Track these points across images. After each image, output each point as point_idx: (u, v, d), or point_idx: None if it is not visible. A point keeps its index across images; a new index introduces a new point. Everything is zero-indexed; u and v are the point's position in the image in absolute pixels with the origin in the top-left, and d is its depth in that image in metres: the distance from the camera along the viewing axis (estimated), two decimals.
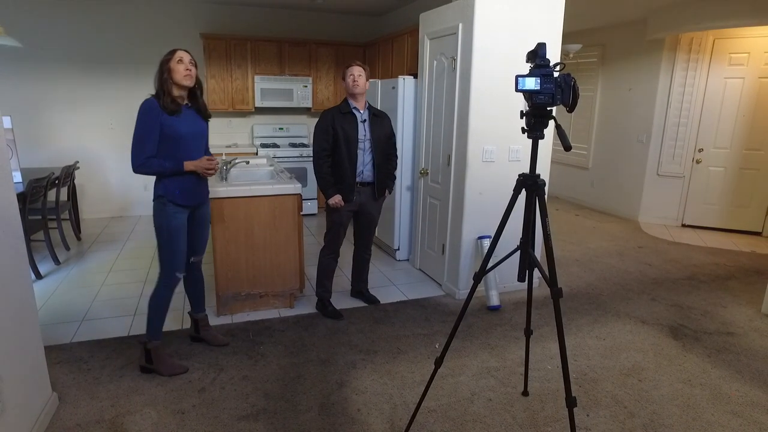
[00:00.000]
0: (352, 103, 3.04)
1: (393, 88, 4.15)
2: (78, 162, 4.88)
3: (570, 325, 3.18)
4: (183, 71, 2.33)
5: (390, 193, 3.34)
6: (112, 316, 3.20)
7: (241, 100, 5.72)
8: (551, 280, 1.77)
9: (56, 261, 4.08)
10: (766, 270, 4.34)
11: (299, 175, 5.85)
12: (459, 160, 3.44)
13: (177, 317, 3.16)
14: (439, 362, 2.01)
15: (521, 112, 1.77)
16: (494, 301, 3.39)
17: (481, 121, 3.31)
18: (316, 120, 6.53)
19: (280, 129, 6.20)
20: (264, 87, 5.75)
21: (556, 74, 1.65)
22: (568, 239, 5.21)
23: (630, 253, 4.77)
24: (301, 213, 3.27)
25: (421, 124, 3.98)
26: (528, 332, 2.26)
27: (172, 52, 2.34)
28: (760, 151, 5.27)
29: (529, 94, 1.64)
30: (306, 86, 5.93)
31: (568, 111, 1.70)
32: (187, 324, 3.01)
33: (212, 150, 5.47)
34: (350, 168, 3.02)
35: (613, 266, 4.37)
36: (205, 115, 2.51)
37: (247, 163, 3.77)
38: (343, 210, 3.10)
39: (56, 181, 4.28)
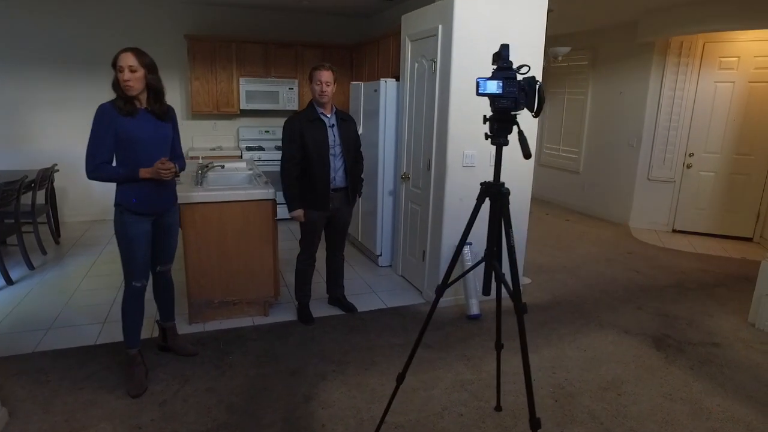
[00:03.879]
0: (319, 108, 2.97)
1: (375, 90, 4.07)
2: (57, 165, 4.79)
3: (551, 335, 3.10)
4: (122, 82, 2.20)
5: (360, 196, 3.27)
6: (81, 323, 3.11)
7: (226, 103, 5.64)
8: (515, 295, 1.69)
9: (30, 266, 3.99)
10: (755, 277, 4.26)
11: None
12: (439, 164, 3.36)
13: (148, 325, 3.06)
14: (400, 378, 1.93)
15: (484, 117, 1.69)
16: (474, 309, 3.31)
17: (461, 125, 3.24)
18: None
19: (266, 132, 6.12)
20: (249, 89, 5.66)
21: (520, 78, 1.57)
22: (557, 245, 5.13)
23: (618, 259, 4.69)
24: (276, 218, 3.18)
25: (402, 127, 3.90)
26: (498, 346, 2.17)
27: (116, 56, 2.20)
28: (750, 156, 5.21)
29: (491, 98, 1.56)
30: (292, 88, 5.86)
31: (533, 116, 1.62)
32: (158, 332, 2.92)
33: (195, 153, 5.47)
34: (324, 176, 2.94)
35: (600, 273, 4.29)
36: (163, 117, 2.38)
37: (222, 167, 3.68)
38: (316, 218, 3.02)
39: (32, 184, 4.19)
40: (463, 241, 1.86)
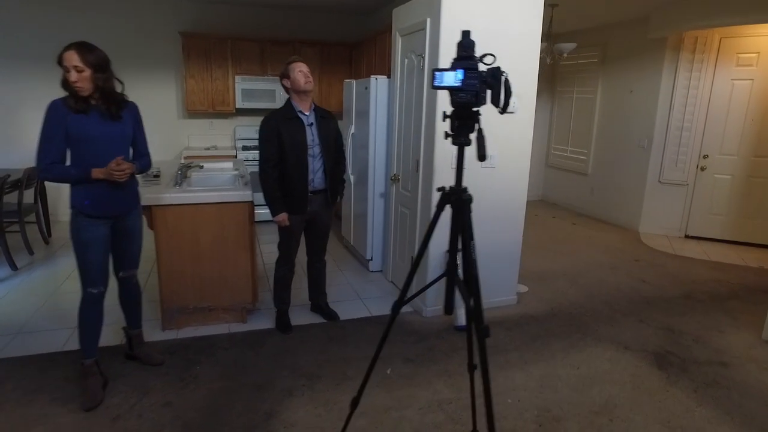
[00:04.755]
0: (297, 105, 2.81)
1: (366, 88, 3.90)
2: None
3: (542, 350, 2.88)
4: (70, 81, 2.06)
5: (341, 198, 3.11)
6: (51, 328, 3.01)
7: (222, 101, 5.53)
8: (476, 316, 1.50)
9: (13, 266, 3.92)
10: None
11: None
12: (427, 166, 3.17)
13: (117, 332, 2.94)
14: (354, 404, 1.75)
15: (444, 113, 1.51)
16: (462, 320, 3.10)
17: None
18: None
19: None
20: (245, 88, 5.54)
21: (484, 69, 1.38)
22: (560, 250, 4.89)
23: (624, 266, 4.44)
24: (254, 221, 3.04)
25: (393, 126, 3.72)
26: (471, 367, 1.98)
27: (61, 54, 2.05)
28: None
29: (450, 92, 1.37)
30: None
31: (499, 112, 1.42)
32: (125, 340, 2.79)
33: (191, 152, 5.36)
34: (301, 178, 2.78)
35: (603, 281, 4.04)
36: (115, 118, 2.21)
37: (201, 167, 3.55)
38: (294, 221, 2.86)
39: (18, 183, 4.12)
40: (421, 253, 1.67)
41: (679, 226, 5.43)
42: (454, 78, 1.34)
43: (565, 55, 4.94)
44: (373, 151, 3.92)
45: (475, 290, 1.53)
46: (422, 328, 3.14)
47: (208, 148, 5.55)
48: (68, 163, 2.18)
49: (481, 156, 1.36)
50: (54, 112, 2.07)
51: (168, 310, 2.97)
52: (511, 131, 3.20)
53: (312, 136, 2.82)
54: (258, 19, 5.73)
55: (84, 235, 2.20)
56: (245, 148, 5.68)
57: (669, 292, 3.85)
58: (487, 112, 3.06)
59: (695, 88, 5.10)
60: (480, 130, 1.43)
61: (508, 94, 1.35)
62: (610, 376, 2.61)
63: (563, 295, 3.73)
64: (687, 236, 5.40)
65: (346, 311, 3.33)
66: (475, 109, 1.40)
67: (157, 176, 3.40)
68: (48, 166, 2.09)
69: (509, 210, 3.34)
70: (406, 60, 3.44)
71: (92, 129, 2.12)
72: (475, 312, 1.52)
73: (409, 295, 1.77)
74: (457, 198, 1.52)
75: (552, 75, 6.91)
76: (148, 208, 2.79)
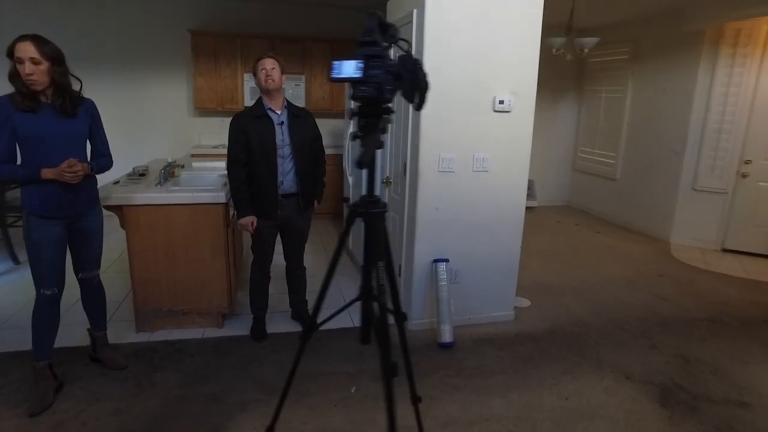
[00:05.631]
0: (267, 103, 2.67)
1: None
2: None
3: (530, 375, 2.61)
4: (24, 76, 1.97)
5: (320, 203, 2.94)
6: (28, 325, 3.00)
7: (231, 99, 5.49)
8: (384, 349, 1.29)
9: (15, 260, 3.99)
10: None
11: None
12: (413, 169, 2.95)
13: (85, 332, 2.90)
14: None
15: (350, 111, 1.30)
16: (446, 337, 2.87)
17: (437, 125, 2.81)
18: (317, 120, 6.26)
19: None
20: (253, 86, 5.47)
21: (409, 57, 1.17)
22: (575, 261, 4.53)
23: (645, 281, 4.04)
24: (229, 225, 2.92)
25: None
26: (415, 399, 1.77)
27: (12, 45, 1.96)
28: None
29: (352, 85, 1.17)
30: (298, 85, 5.62)
31: (414, 108, 1.21)
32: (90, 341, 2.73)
33: (200, 150, 5.35)
34: (270, 180, 2.63)
35: (617, 298, 3.68)
36: (70, 114, 2.12)
37: (182, 167, 3.47)
38: (263, 227, 2.72)
39: None
40: (331, 270, 1.47)
41: (716, 239, 4.93)
42: (354, 68, 1.13)
43: (586, 50, 4.56)
44: None
45: (381, 319, 1.32)
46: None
47: (216, 146, 5.52)
48: (19, 161, 2.12)
49: (359, 162, 1.14)
50: (0, 109, 2.01)
51: (141, 312, 2.91)
52: (506, 132, 2.93)
53: (282, 135, 2.67)
54: (267, 16, 5.66)
55: (35, 235, 2.14)
56: None
57: (692, 313, 3.45)
58: (481, 111, 2.78)
59: (737, 85, 4.60)
60: (381, 130, 1.21)
61: (423, 88, 1.13)
62: (601, 411, 2.31)
63: (568, 312, 3.41)
64: (724, 250, 4.90)
65: (337, 319, 3.16)
66: (387, 105, 1.18)
67: (142, 175, 3.35)
68: None
69: (505, 218, 3.07)
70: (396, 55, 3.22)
71: (43, 127, 2.05)
72: (382, 344, 1.31)
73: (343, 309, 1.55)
74: (366, 211, 1.30)
75: (580, 73, 6.49)
76: (120, 208, 2.74)
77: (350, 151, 4.14)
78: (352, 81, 1.16)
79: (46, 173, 2.07)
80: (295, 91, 5.63)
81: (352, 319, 3.22)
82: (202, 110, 5.56)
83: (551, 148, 6.67)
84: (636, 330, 3.16)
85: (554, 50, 4.62)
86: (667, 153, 5.15)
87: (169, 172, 3.28)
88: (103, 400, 2.28)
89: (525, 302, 3.53)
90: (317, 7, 5.78)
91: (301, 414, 2.22)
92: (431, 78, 2.65)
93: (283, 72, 2.69)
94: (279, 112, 2.69)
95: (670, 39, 5.00)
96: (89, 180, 2.26)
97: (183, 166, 3.42)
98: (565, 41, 4.57)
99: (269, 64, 2.59)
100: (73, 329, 2.76)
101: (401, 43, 1.20)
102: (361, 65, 1.14)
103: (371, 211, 1.32)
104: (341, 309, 1.68)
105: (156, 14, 5.36)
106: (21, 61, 1.97)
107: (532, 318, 3.30)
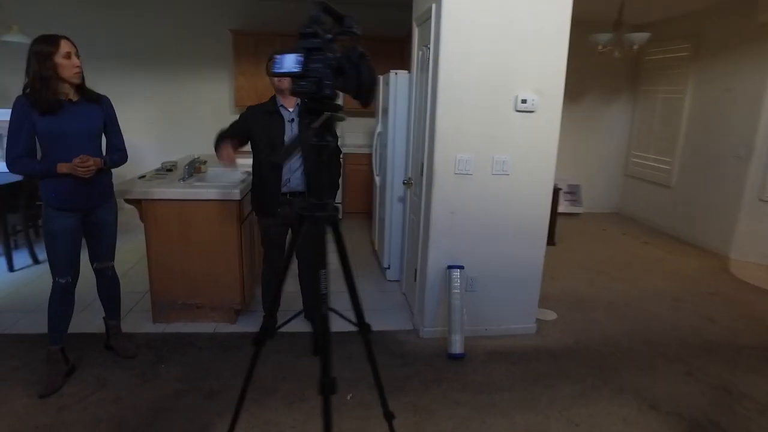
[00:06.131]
0: (280, 100, 2.64)
1: (386, 84, 3.64)
2: None
3: (542, 394, 2.42)
4: (72, 68, 2.11)
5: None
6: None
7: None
8: (324, 363, 1.21)
9: (36, 260, 4.05)
10: None
11: None
12: (429, 170, 2.84)
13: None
14: None
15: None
16: (457, 348, 2.73)
17: (453, 124, 2.68)
18: (351, 120, 6.25)
19: None
20: None
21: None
22: (617, 273, 4.20)
23: (693, 299, 3.67)
24: (243, 221, 2.94)
25: (410, 125, 3.42)
26: (388, 416, 1.67)
27: (54, 43, 2.07)
28: None
29: (292, 79, 1.09)
30: None
31: (362, 105, 1.12)
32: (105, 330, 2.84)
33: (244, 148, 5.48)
34: (272, 176, 2.61)
35: (656, 317, 3.37)
36: (96, 102, 2.28)
37: (205, 162, 3.54)
38: (269, 225, 2.71)
39: None
40: (280, 280, 1.40)
41: None
42: (293, 62, 1.06)
43: (636, 47, 4.22)
44: (392, 151, 3.65)
45: (324, 338, 1.23)
46: (413, 350, 2.82)
47: None
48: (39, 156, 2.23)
49: (272, 160, 1.05)
50: (19, 110, 2.11)
51: (157, 303, 2.99)
52: (529, 133, 2.74)
53: (292, 132, 2.64)
54: (305, 15, 5.70)
55: (51, 226, 2.25)
56: None
57: (743, 339, 3.08)
58: (501, 110, 2.61)
59: None
60: (313, 128, 1.12)
61: (369, 83, 1.04)
62: None
63: (597, 328, 3.16)
64: None
65: (339, 322, 3.10)
66: (333, 101, 1.10)
67: (169, 170, 3.46)
68: (14, 160, 2.14)
69: (528, 225, 2.88)
70: (420, 52, 3.12)
71: (60, 124, 2.14)
72: (323, 367, 1.22)
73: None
74: (311, 215, 1.22)
75: (634, 72, 6.04)
76: (139, 202, 2.84)
77: (377, 150, 4.08)
78: (292, 76, 1.09)
79: (62, 168, 2.16)
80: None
81: (366, 322, 3.15)
82: (242, 108, 5.68)
83: (601, 151, 6.28)
84: (672, 353, 2.87)
85: (600, 47, 4.32)
86: (730, 159, 4.67)
87: (194, 168, 3.36)
88: (108, 387, 2.36)
89: (550, 315, 3.31)
90: (356, 5, 5.75)
91: (291, 418, 2.18)
92: (448, 71, 2.57)
93: None
94: (291, 109, 2.67)
95: (739, 32, 4.52)
96: (103, 174, 2.34)
97: (206, 162, 3.49)
98: (612, 37, 4.25)
99: None
100: (95, 316, 2.88)
101: (349, 35, 1.10)
102: (301, 59, 1.06)
103: (317, 215, 1.23)
104: (290, 318, 1.64)
105: (198, 15, 5.56)
106: (69, 56, 2.09)
107: (556, 333, 3.08)
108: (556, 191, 4.83)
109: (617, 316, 3.36)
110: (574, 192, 6.09)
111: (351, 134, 6.19)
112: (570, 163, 6.17)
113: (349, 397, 2.34)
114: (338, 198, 5.69)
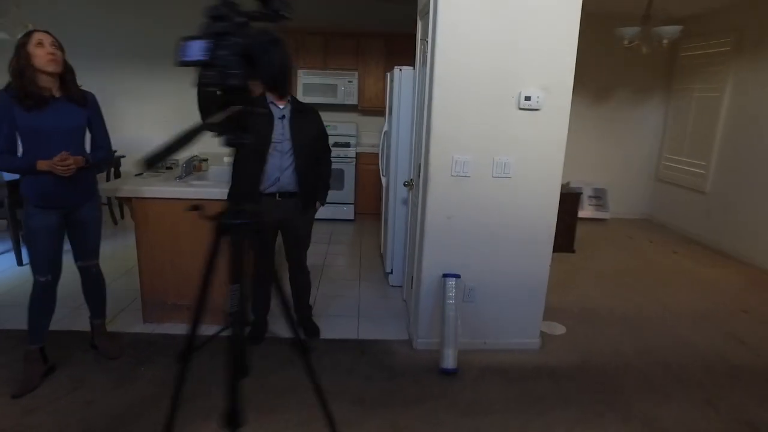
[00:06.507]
0: (270, 96, 2.53)
1: (392, 81, 3.49)
2: (118, 151, 5.15)
3: (535, 420, 2.21)
4: (44, 56, 2.06)
5: (323, 204, 2.76)
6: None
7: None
8: (231, 402, 1.08)
9: (20, 262, 4.02)
10: None
11: (334, 177, 5.44)
12: (425, 172, 2.67)
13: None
14: None
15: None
16: (449, 362, 2.55)
17: (449, 123, 2.50)
18: (366, 119, 6.12)
19: (327, 126, 5.84)
20: (307, 82, 5.47)
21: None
22: (639, 285, 3.90)
23: (722, 317, 3.35)
24: None
25: (412, 124, 3.25)
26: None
27: (28, 35, 2.07)
28: None
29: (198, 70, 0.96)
30: (351, 81, 5.50)
31: (277, 96, 0.97)
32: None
33: None
34: (255, 173, 2.50)
35: (678, 335, 3.08)
36: (79, 102, 2.22)
37: (206, 160, 3.47)
38: None
39: None
40: (201, 294, 1.28)
41: None
42: (199, 49, 0.92)
43: (665, 41, 3.89)
44: (396, 151, 3.50)
45: (237, 358, 1.10)
46: (403, 362, 2.66)
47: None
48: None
49: (148, 161, 0.91)
50: (1, 103, 2.08)
51: (147, 303, 2.95)
52: (534, 133, 2.53)
53: (282, 130, 2.52)
54: (322, 12, 5.61)
55: (31, 223, 2.22)
56: None
57: None
58: (503, 108, 2.40)
59: None
60: (207, 125, 0.98)
61: (282, 71, 0.89)
62: None
63: (609, 346, 2.91)
64: None
65: (333, 329, 3.00)
66: (243, 93, 0.96)
67: (169, 168, 3.42)
68: None
69: (532, 232, 2.67)
70: (421, 47, 2.96)
71: (41, 120, 2.10)
72: (229, 392, 1.08)
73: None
74: (226, 223, 1.09)
75: (668, 69, 5.64)
76: (129, 200, 2.79)
77: (384, 150, 3.93)
78: (199, 65, 0.96)
79: (41, 165, 2.12)
80: (348, 87, 5.53)
81: (359, 331, 3.03)
82: None
83: (630, 154, 5.91)
84: (691, 378, 2.59)
85: (626, 42, 4.02)
86: None
87: (192, 166, 3.30)
88: (83, 389, 2.31)
89: (559, 329, 3.07)
90: (374, 2, 5.62)
91: None
92: (444, 65, 2.39)
93: None
94: (281, 106, 2.56)
95: None
96: (84, 173, 2.29)
97: (207, 160, 3.43)
98: (639, 31, 3.95)
99: None
100: (84, 314, 2.85)
101: (275, 18, 0.96)
102: (208, 45, 0.93)
103: (234, 223, 1.10)
104: (214, 335, 1.51)
105: None
106: (42, 44, 2.04)
107: (562, 349, 2.85)
108: (576, 195, 4.55)
109: (633, 332, 3.09)
110: (599, 196, 5.76)
111: (366, 133, 6.06)
112: (596, 166, 5.84)
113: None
114: (351, 199, 5.57)
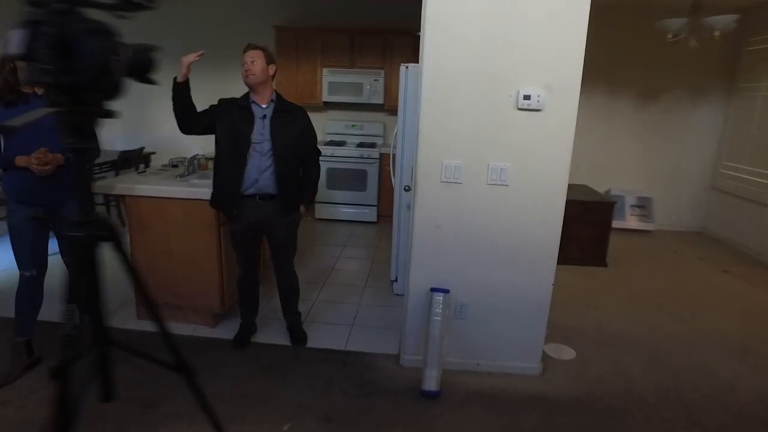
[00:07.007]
0: (252, 95, 2.44)
1: (401, 79, 3.31)
2: (144, 148, 5.32)
3: None
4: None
5: (307, 208, 2.63)
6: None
7: (310, 95, 5.48)
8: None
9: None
10: None
11: (356, 178, 5.35)
12: (414, 177, 2.48)
13: None
14: None
15: None
16: (431, 384, 2.35)
17: (438, 124, 2.30)
18: (393, 118, 5.93)
19: (353, 126, 5.77)
20: (332, 81, 5.40)
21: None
22: (677, 308, 3.47)
23: (764, 350, 2.90)
24: (223, 223, 2.80)
25: (414, 125, 3.06)
26: None
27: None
28: None
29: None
30: (377, 80, 5.36)
31: (106, 97, 0.84)
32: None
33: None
34: (233, 174, 2.41)
35: (708, 369, 2.69)
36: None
37: (206, 159, 3.45)
38: (234, 228, 2.53)
39: (115, 164, 4.71)
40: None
41: None
42: (18, 40, 0.81)
43: (717, 33, 3.43)
44: (400, 152, 3.32)
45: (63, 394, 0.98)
46: (384, 379, 2.49)
47: None
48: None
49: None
50: None
51: (140, 300, 2.96)
52: (535, 136, 2.27)
53: (262, 130, 2.43)
54: (349, 9, 5.51)
55: (12, 219, 2.26)
56: (332, 143, 5.55)
57: None
58: (498, 109, 2.21)
59: None
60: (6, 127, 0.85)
61: (95, 64, 0.76)
62: None
63: (622, 377, 2.58)
64: None
65: (322, 337, 2.88)
66: (79, 92, 0.83)
67: (175, 166, 3.44)
68: None
69: (532, 245, 2.41)
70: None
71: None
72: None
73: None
74: (73, 236, 0.97)
75: (729, 66, 5.03)
76: (123, 198, 2.82)
77: (394, 151, 3.76)
78: (17, 58, 0.85)
79: (20, 161, 2.15)
80: (374, 86, 5.40)
81: (348, 341, 2.89)
82: None
83: (682, 160, 5.35)
84: (717, 424, 2.23)
85: (670, 36, 3.59)
86: None
87: (197, 165, 3.30)
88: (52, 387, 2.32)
89: (567, 353, 2.78)
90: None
91: None
92: (433, 62, 2.20)
93: (271, 63, 2.46)
94: (264, 105, 2.47)
95: None
96: (66, 170, 2.30)
97: (212, 159, 3.41)
98: (686, 23, 3.52)
99: (249, 57, 2.39)
100: None
101: (131, 7, 0.83)
102: (23, 36, 0.82)
103: (77, 236, 0.98)
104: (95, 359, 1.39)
105: (242, 10, 5.60)
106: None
107: (566, 376, 2.56)
108: (610, 204, 4.16)
109: (655, 364, 2.73)
110: (644, 206, 5.25)
111: (393, 134, 5.89)
112: (640, 173, 5.33)
113: (286, 428, 2.08)
114: (373, 200, 5.43)
